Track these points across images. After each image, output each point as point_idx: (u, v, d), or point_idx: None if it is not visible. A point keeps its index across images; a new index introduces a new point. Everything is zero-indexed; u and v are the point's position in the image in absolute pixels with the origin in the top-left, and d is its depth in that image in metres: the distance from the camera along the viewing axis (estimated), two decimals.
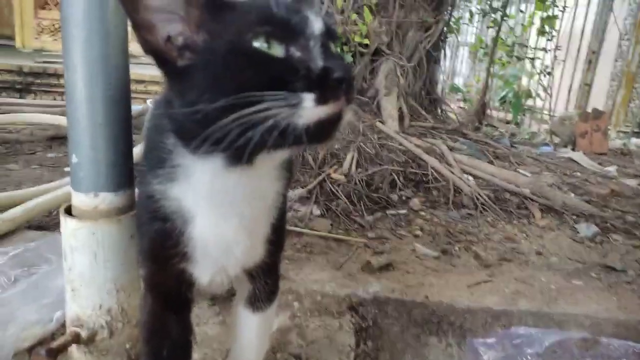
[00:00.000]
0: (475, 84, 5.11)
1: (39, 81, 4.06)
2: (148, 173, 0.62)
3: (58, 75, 4.12)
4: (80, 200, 0.81)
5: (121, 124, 0.81)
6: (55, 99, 4.02)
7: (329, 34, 0.53)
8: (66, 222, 0.81)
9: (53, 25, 5.16)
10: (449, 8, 2.54)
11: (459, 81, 5.47)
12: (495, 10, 2.91)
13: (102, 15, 0.75)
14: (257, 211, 0.63)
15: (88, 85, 0.76)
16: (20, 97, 3.99)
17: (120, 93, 0.80)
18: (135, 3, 0.50)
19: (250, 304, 0.77)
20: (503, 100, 4.69)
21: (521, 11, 4.12)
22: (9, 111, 2.92)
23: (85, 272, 0.82)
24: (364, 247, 1.45)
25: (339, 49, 2.07)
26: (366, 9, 2.00)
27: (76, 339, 0.83)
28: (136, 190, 0.80)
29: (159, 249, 0.64)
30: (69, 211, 0.83)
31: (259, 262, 0.70)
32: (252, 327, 0.78)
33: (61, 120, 2.39)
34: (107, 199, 0.82)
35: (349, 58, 1.98)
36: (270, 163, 0.59)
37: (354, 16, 2.06)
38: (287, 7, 0.52)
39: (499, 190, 1.88)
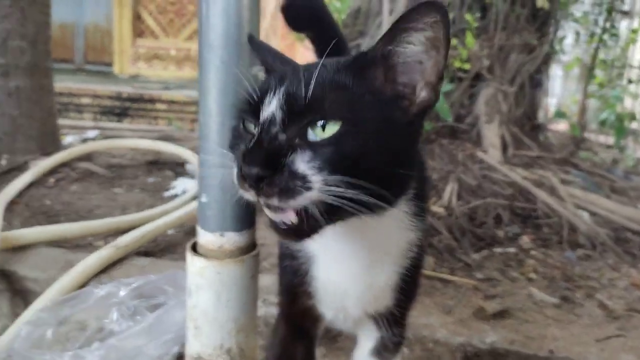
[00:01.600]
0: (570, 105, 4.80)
1: (135, 106, 4.34)
2: None
3: (153, 101, 4.38)
4: (206, 239, 0.80)
5: None
6: (150, 123, 4.27)
7: (285, 108, 0.53)
8: (193, 260, 0.80)
9: (148, 52, 5.53)
10: (553, 28, 2.39)
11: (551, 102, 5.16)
12: (604, 31, 2.71)
13: (239, 62, 0.73)
14: (379, 258, 0.63)
15: (221, 130, 0.75)
16: (118, 121, 4.28)
17: None
18: None
19: (375, 353, 0.77)
20: (603, 124, 4.35)
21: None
22: (110, 136, 3.12)
23: (208, 310, 0.81)
24: (473, 289, 1.35)
25: None
26: (469, 33, 1.92)
27: None
28: None
29: (289, 284, 0.70)
30: (194, 248, 0.83)
31: (385, 310, 0.70)
32: None
33: (160, 146, 2.51)
34: (232, 239, 0.80)
35: (447, 86, 1.90)
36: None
37: (454, 41, 1.99)
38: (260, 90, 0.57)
39: (620, 229, 1.69)
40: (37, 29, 2.24)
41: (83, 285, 1.22)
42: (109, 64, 5.61)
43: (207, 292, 0.80)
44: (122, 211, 1.90)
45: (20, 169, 2.25)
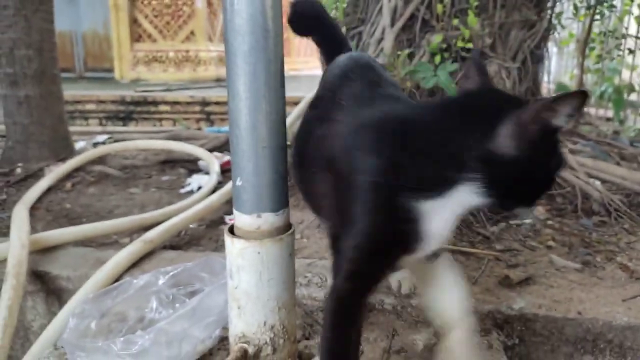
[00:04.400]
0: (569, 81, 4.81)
1: (139, 109, 4.37)
2: (405, 189, 0.70)
3: (156, 103, 4.41)
4: (244, 221, 0.83)
5: (280, 147, 0.82)
6: (154, 125, 4.29)
7: None
8: (233, 243, 0.83)
9: (147, 56, 5.55)
10: (551, 3, 2.40)
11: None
12: (601, 2, 2.71)
13: (267, 46, 0.76)
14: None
15: (252, 113, 0.78)
16: (123, 125, 4.31)
17: (280, 117, 0.81)
18: None
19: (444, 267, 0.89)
20: (601, 97, 4.36)
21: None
22: (120, 139, 3.15)
23: (251, 290, 0.84)
24: (495, 260, 1.38)
25: (440, 57, 2.02)
26: (471, 13, 1.93)
27: (244, 354, 0.84)
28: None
29: (391, 244, 0.74)
30: (231, 231, 0.86)
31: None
32: (443, 263, 0.88)
33: (171, 146, 2.54)
34: (269, 220, 0.83)
35: (451, 66, 1.91)
36: None
37: (455, 21, 2.01)
38: None
39: (632, 195, 1.72)
40: (42, 36, 2.26)
41: (116, 279, 1.25)
42: (109, 70, 5.64)
43: (248, 272, 0.83)
44: (141, 209, 1.94)
45: (35, 176, 2.29)
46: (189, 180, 2.29)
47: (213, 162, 2.32)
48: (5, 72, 2.26)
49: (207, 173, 2.35)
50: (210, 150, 2.54)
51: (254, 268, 0.83)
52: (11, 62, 2.23)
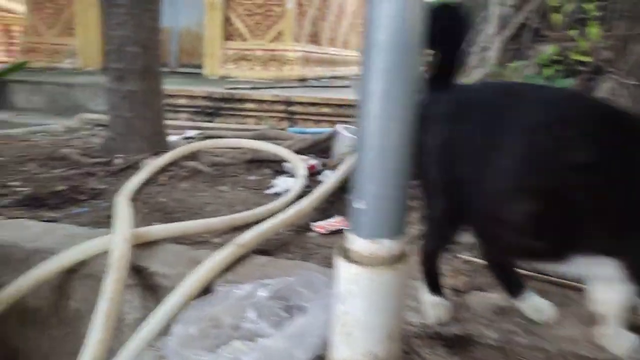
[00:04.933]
0: None
1: (226, 106, 4.49)
2: None
3: (242, 100, 4.52)
4: (360, 245, 0.78)
5: (406, 171, 0.76)
6: (239, 122, 4.40)
7: None
8: (346, 267, 0.78)
9: (236, 54, 5.72)
10: None
11: None
12: None
13: (406, 64, 0.70)
14: None
15: (383, 135, 0.72)
16: (209, 121, 4.45)
17: (409, 140, 0.75)
18: None
19: None
20: None
21: None
22: (208, 135, 3.25)
23: (361, 317, 0.79)
24: None
25: (552, 69, 1.87)
26: (592, 24, 1.77)
27: None
28: None
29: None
30: (343, 253, 0.81)
31: None
32: None
33: (259, 146, 2.57)
34: (386, 246, 0.77)
35: (566, 81, 1.76)
36: None
37: (573, 32, 1.85)
38: None
39: None
40: (149, 34, 2.37)
41: (210, 282, 1.26)
42: (199, 66, 5.87)
43: (359, 299, 0.78)
44: (229, 208, 1.96)
45: (132, 167, 2.39)
46: (274, 181, 2.30)
47: (300, 165, 2.31)
48: (113, 67, 2.39)
49: (292, 175, 2.35)
50: (296, 152, 2.54)
51: (367, 296, 0.78)
52: (119, 58, 2.35)
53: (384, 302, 0.78)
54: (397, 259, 0.79)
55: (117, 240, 1.32)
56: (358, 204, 0.76)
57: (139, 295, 1.35)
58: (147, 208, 1.94)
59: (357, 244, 0.78)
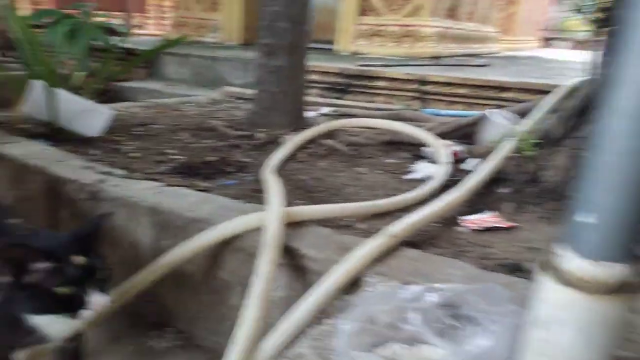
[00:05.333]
0: None
1: (357, 83, 4.42)
2: None
3: (373, 78, 4.41)
4: (579, 265, 0.64)
5: None
6: (369, 100, 4.31)
7: None
8: (557, 290, 0.66)
9: (370, 30, 5.61)
10: None
11: None
12: None
13: None
14: None
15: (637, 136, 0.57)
16: (339, 98, 4.42)
17: None
18: None
19: None
20: None
21: None
22: (341, 112, 3.21)
23: (566, 349, 0.66)
24: None
25: None
26: None
27: None
28: None
29: None
30: (547, 269, 0.69)
31: None
32: None
33: (399, 127, 2.46)
34: (614, 270, 0.63)
35: None
36: None
37: None
38: None
39: None
40: (301, 10, 2.35)
41: (360, 272, 1.20)
42: (330, 42, 5.86)
43: (569, 328, 0.65)
44: (369, 191, 1.89)
45: (273, 142, 2.43)
46: (414, 166, 2.18)
47: (443, 150, 2.16)
48: (263, 42, 2.42)
49: (432, 161, 2.21)
50: (437, 137, 2.38)
51: (581, 326, 0.64)
52: (270, 34, 2.38)
53: (600, 336, 0.65)
54: (623, 287, 0.64)
55: (271, 218, 1.32)
56: (584, 216, 0.63)
57: (286, 274, 1.34)
58: (290, 185, 1.95)
59: (575, 263, 0.65)
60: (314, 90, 4.55)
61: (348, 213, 1.51)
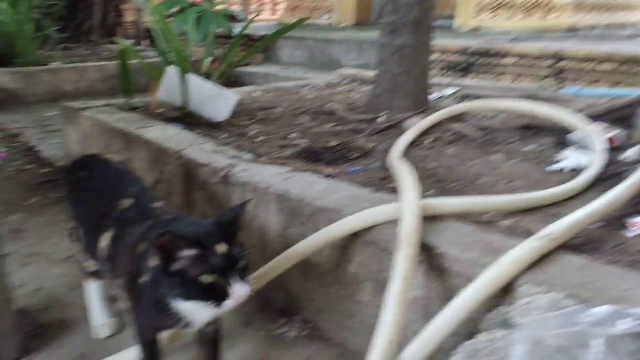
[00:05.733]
0: None
1: (481, 61, 4.10)
2: None
3: (499, 55, 4.06)
4: None
5: None
6: (494, 79, 3.98)
7: None
8: None
9: (493, 2, 5.17)
10: None
11: None
12: None
13: None
14: None
15: None
16: (461, 77, 4.13)
17: None
18: None
19: None
20: None
21: None
22: (466, 94, 2.97)
23: None
24: None
25: None
26: None
27: None
28: None
29: None
30: None
31: None
32: None
33: (538, 109, 2.19)
34: None
35: None
36: None
37: None
38: None
39: None
40: None
41: (512, 279, 1.06)
42: (450, 17, 5.52)
43: None
44: (508, 183, 1.70)
45: (396, 127, 2.31)
46: (560, 155, 1.92)
47: (596, 137, 1.88)
48: (386, 21, 2.29)
49: (581, 149, 1.93)
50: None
51: None
52: (393, 10, 2.24)
53: None
54: None
55: (407, 211, 1.22)
56: None
57: (423, 273, 1.23)
58: (417, 173, 1.83)
59: None
60: (433, 71, 4.31)
61: (493, 207, 1.35)
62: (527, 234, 1.27)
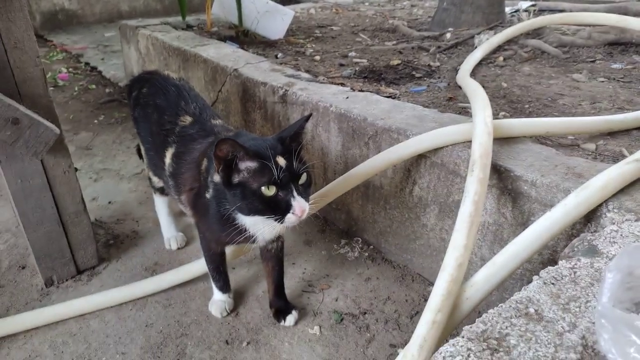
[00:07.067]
0: None
1: None
2: None
3: None
4: None
5: None
6: None
7: None
8: None
9: None
10: None
11: None
12: None
13: None
14: None
15: None
16: None
17: None
18: None
19: None
20: None
21: None
22: (544, 7, 2.68)
23: None
24: None
25: None
26: None
27: None
28: None
29: None
30: None
31: None
32: None
33: (627, 22, 1.94)
34: None
35: None
36: None
37: None
38: None
39: None
40: None
41: (598, 206, 0.97)
42: None
43: None
44: (592, 104, 1.54)
45: (464, 44, 2.14)
46: None
47: None
48: None
49: None
50: None
51: None
52: None
53: None
54: None
55: (479, 132, 1.13)
56: None
57: (494, 197, 1.16)
58: (489, 93, 1.70)
59: None
60: None
61: (573, 129, 1.23)
62: (615, 158, 1.16)
